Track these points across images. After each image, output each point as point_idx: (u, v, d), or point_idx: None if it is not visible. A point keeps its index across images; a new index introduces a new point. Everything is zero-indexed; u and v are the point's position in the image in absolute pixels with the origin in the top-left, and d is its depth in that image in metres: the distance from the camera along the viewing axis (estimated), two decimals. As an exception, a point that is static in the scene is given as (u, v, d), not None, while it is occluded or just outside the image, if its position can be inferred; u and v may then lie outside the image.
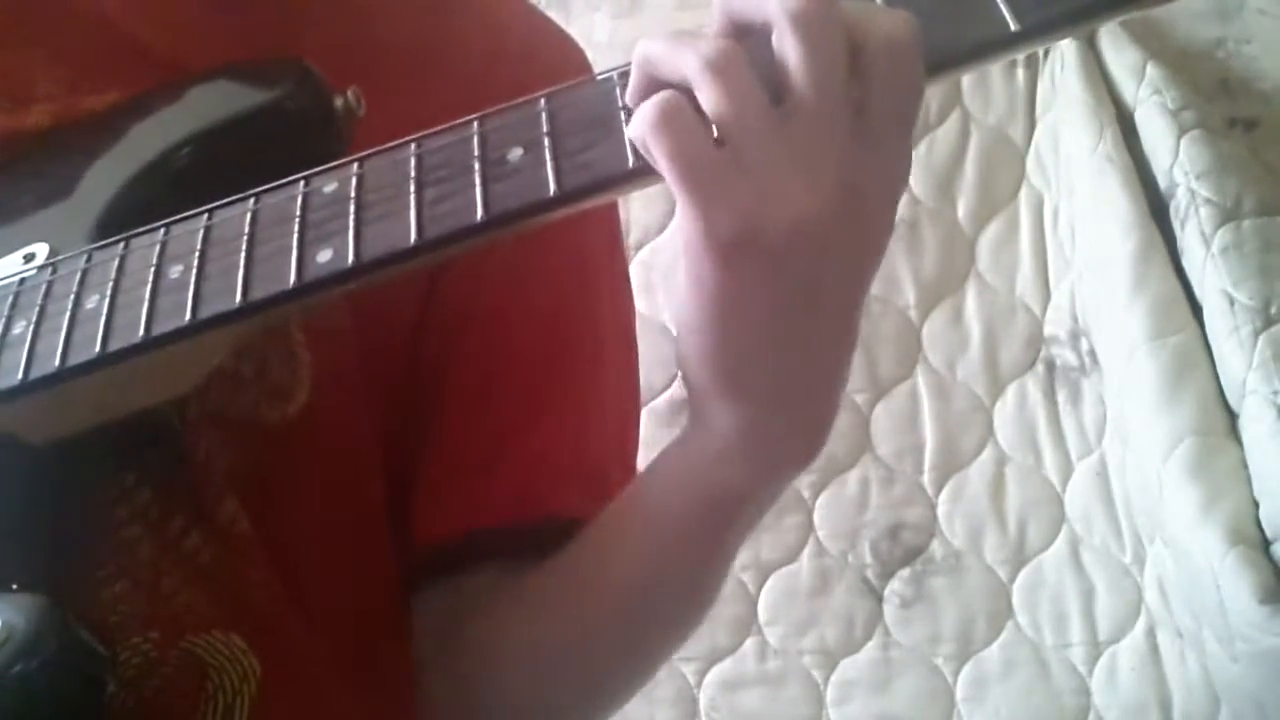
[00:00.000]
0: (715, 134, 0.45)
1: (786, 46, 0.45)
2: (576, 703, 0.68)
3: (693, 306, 0.48)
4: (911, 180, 1.63)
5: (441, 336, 0.69)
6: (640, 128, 0.45)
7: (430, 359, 0.69)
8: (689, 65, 0.45)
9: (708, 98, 0.45)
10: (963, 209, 1.64)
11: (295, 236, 0.50)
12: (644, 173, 0.47)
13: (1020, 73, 1.64)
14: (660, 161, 0.45)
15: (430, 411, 0.69)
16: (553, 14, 1.73)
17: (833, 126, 0.45)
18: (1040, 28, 0.45)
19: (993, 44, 0.45)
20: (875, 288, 1.76)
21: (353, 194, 0.50)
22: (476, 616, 0.67)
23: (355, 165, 0.51)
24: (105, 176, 0.59)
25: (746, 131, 0.45)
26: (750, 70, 0.45)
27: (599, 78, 0.49)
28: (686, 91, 0.46)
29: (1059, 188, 1.61)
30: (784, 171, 0.45)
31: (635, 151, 0.47)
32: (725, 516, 0.57)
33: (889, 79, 0.45)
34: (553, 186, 0.48)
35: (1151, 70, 1.52)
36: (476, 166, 0.49)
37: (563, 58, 0.75)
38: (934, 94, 1.65)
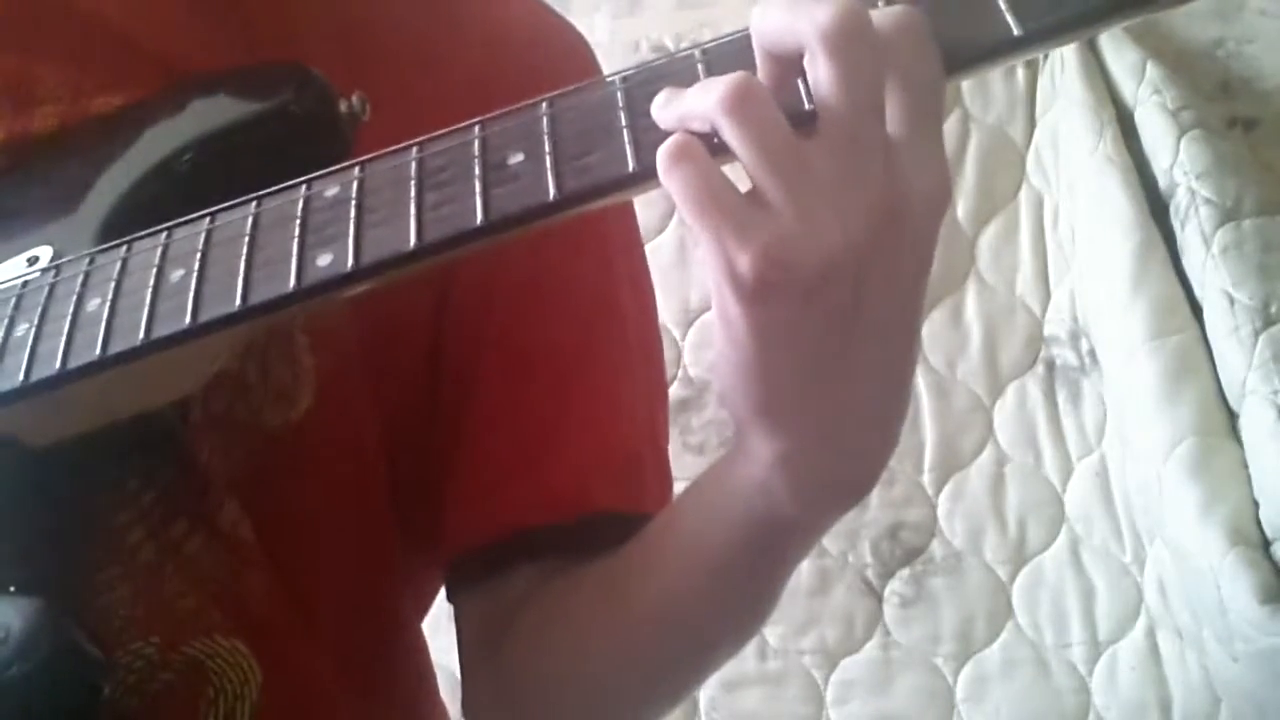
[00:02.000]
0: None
1: (820, 70, 0.43)
2: (619, 712, 0.67)
3: (724, 341, 0.47)
4: (911, 180, 1.63)
5: (462, 340, 0.68)
6: (659, 169, 0.44)
7: (453, 364, 0.68)
8: (707, 106, 0.44)
9: (727, 136, 0.44)
10: (963, 209, 1.64)
11: (296, 240, 0.50)
12: (646, 177, 0.47)
13: (1020, 73, 1.64)
14: (676, 200, 0.44)
15: (456, 417, 0.68)
16: None
17: (869, 152, 0.43)
18: (1043, 33, 0.44)
19: (995, 49, 0.45)
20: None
21: (353, 198, 0.50)
22: (522, 619, 0.66)
23: (356, 169, 0.51)
24: (110, 180, 0.59)
25: (767, 169, 0.43)
26: (769, 103, 0.44)
27: (602, 81, 0.49)
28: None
29: (1059, 188, 1.61)
30: (812, 207, 0.43)
31: (637, 156, 0.47)
32: (768, 546, 0.55)
33: (912, 78, 0.44)
34: (553, 191, 0.48)
35: (1151, 70, 1.51)
36: (477, 170, 0.49)
37: (567, 54, 0.74)
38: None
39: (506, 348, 0.68)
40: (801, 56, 0.44)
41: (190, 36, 0.65)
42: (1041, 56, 1.63)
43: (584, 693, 0.65)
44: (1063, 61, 1.59)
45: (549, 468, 0.67)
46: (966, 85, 1.65)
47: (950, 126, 1.65)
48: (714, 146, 0.45)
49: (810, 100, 0.45)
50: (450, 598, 0.69)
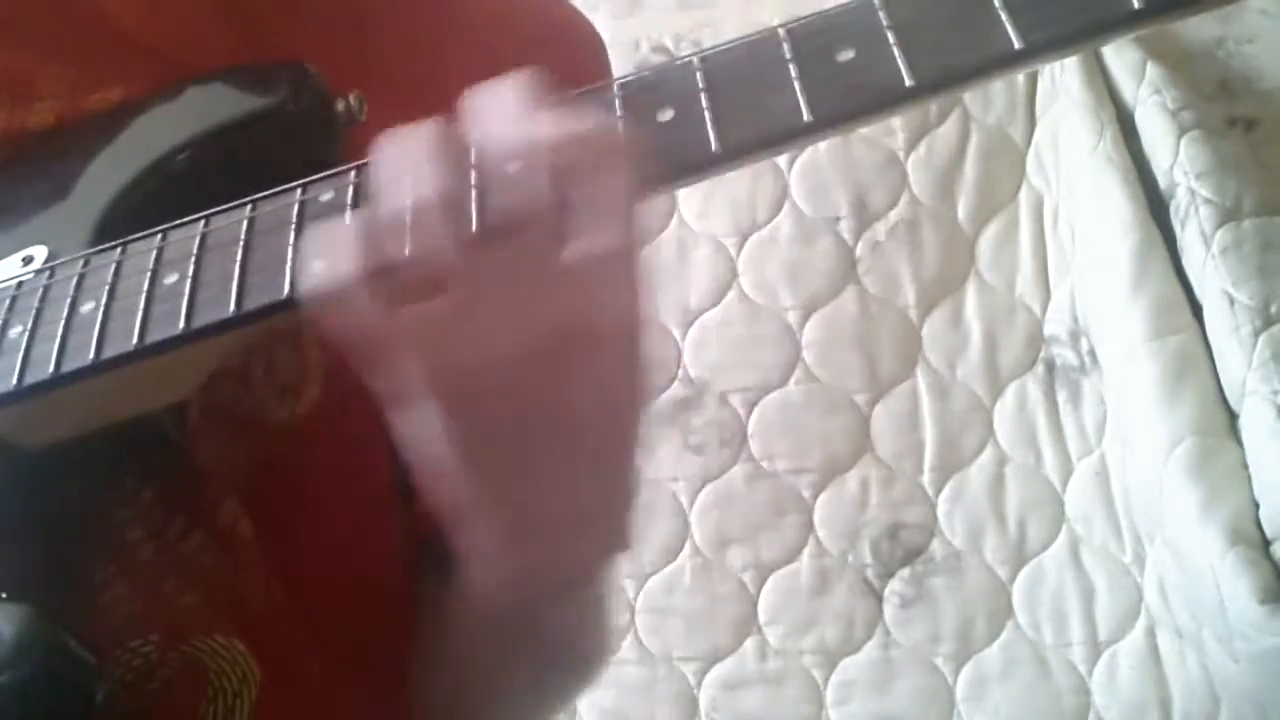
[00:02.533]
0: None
1: (503, 184, 0.44)
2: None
3: (403, 438, 0.48)
4: (911, 180, 1.64)
5: None
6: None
7: None
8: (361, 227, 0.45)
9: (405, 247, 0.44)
10: (963, 209, 1.64)
11: (290, 245, 0.50)
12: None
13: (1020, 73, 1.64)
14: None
15: None
16: None
17: (544, 270, 0.44)
18: (1045, 46, 0.44)
19: (996, 61, 0.44)
20: (875, 288, 1.77)
21: (349, 203, 0.50)
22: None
23: (352, 174, 0.51)
24: (105, 179, 0.59)
25: (445, 278, 0.44)
26: (447, 218, 0.44)
27: (599, 88, 0.49)
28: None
29: (1059, 188, 1.61)
30: (479, 320, 0.44)
31: None
32: (500, 614, 0.56)
33: (597, 200, 0.44)
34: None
35: (1151, 70, 1.51)
36: (473, 176, 0.49)
37: (576, 51, 0.73)
38: (934, 94, 1.65)
39: None
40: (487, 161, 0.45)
41: (190, 33, 0.65)
42: (1041, 57, 1.63)
43: (452, 695, 0.66)
44: (1063, 62, 1.59)
45: None
46: (966, 85, 1.65)
47: (950, 126, 1.65)
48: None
49: (490, 213, 0.45)
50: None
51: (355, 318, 0.44)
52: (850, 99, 0.45)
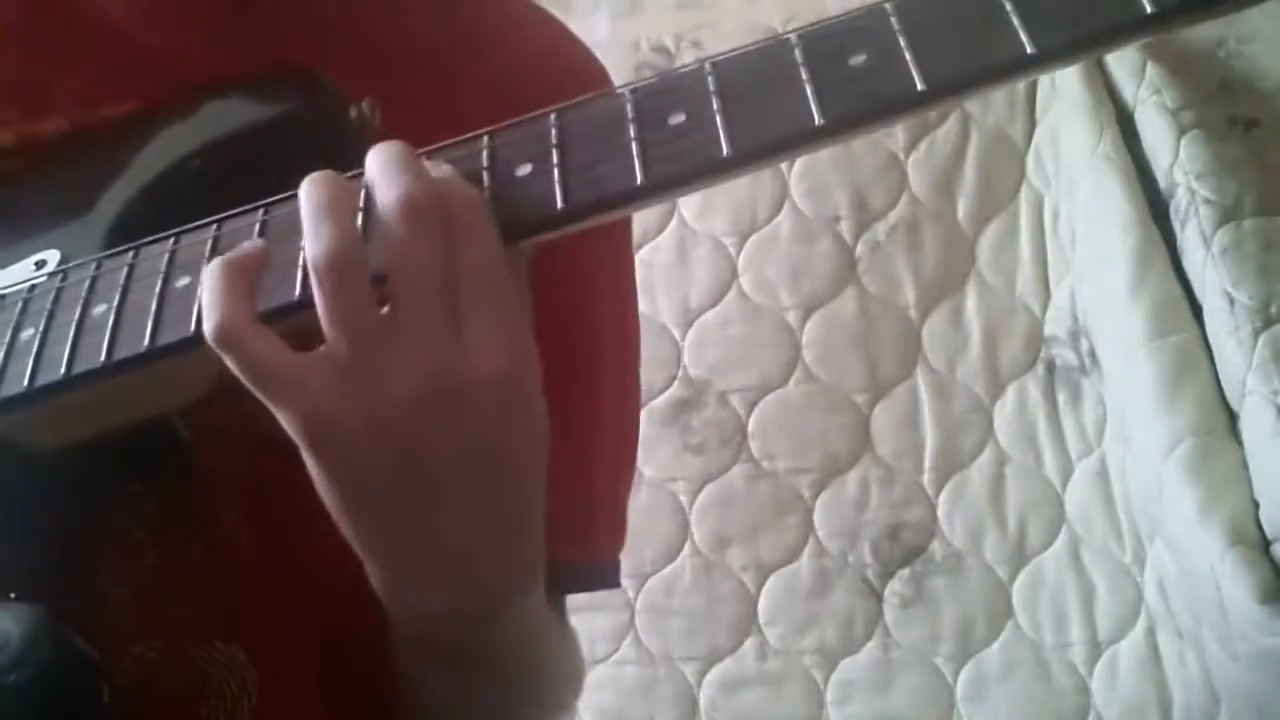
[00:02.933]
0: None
1: (385, 244, 0.47)
2: None
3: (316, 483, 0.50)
4: (911, 180, 1.64)
5: None
6: (209, 341, 0.47)
7: None
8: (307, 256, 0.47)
9: (314, 292, 0.47)
10: (963, 209, 1.64)
11: (302, 249, 0.50)
12: (654, 190, 0.47)
13: (1020, 73, 1.64)
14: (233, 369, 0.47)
15: None
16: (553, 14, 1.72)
17: (424, 330, 0.46)
18: (1057, 51, 0.44)
19: (1008, 66, 0.44)
20: (875, 288, 1.77)
21: (360, 206, 0.50)
22: None
23: (363, 178, 0.51)
24: (118, 185, 0.59)
25: (336, 333, 0.47)
26: (357, 272, 0.46)
27: (612, 94, 0.49)
28: None
29: (1059, 188, 1.61)
30: (362, 373, 0.46)
31: (645, 169, 0.46)
32: (415, 648, 0.58)
33: (467, 264, 0.46)
34: (559, 202, 0.47)
35: (1151, 70, 1.51)
36: (485, 180, 0.49)
37: (585, 78, 0.74)
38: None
39: None
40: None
41: (201, 44, 0.65)
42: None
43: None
44: (1063, 62, 1.59)
45: None
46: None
47: (950, 127, 1.65)
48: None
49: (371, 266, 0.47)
50: None
51: (243, 359, 0.47)
52: (862, 103, 0.45)
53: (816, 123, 0.45)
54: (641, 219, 1.68)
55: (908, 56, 0.44)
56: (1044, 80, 1.62)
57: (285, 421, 0.48)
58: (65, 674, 0.52)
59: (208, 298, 0.47)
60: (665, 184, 0.47)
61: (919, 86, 0.44)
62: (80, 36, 0.65)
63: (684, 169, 0.47)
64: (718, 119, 0.46)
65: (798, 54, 0.46)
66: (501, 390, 0.47)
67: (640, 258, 1.67)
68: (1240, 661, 1.29)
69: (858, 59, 0.45)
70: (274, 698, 0.59)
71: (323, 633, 0.63)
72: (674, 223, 1.68)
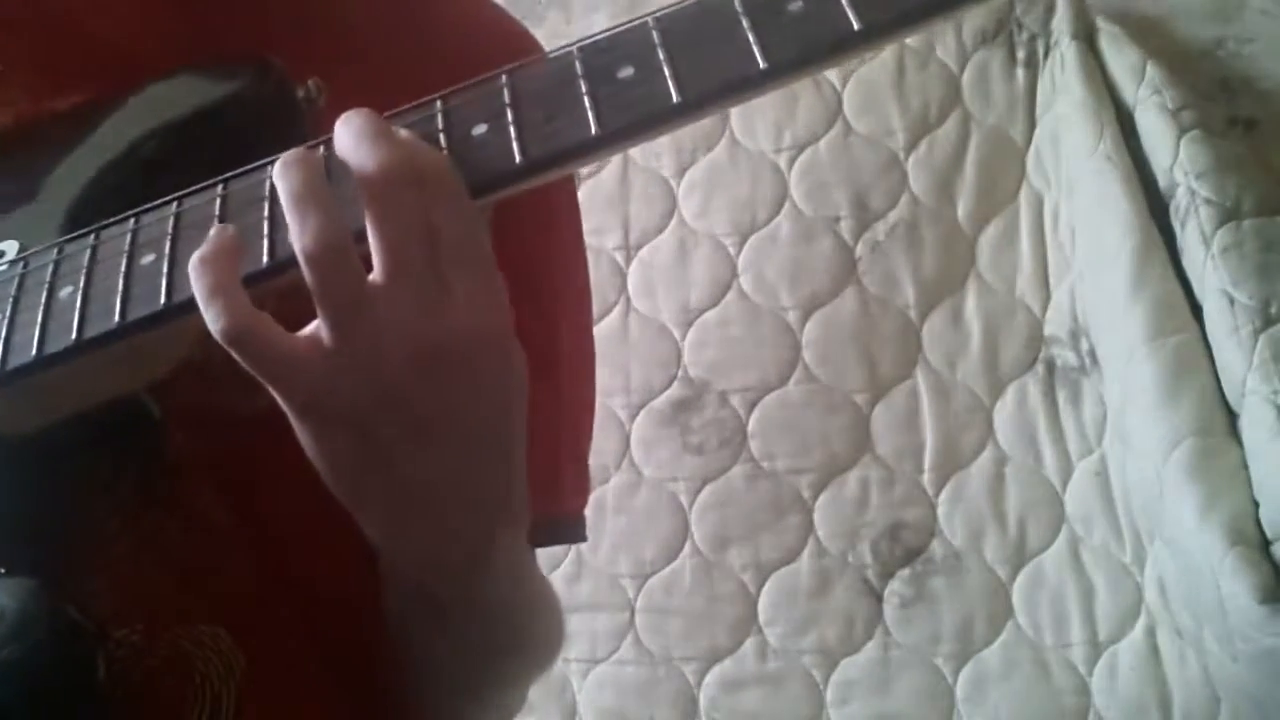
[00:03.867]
0: None
1: (368, 216, 0.48)
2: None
3: (306, 450, 0.52)
4: (911, 180, 1.64)
5: None
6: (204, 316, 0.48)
7: None
8: (295, 241, 0.49)
9: (303, 268, 0.48)
10: (963, 209, 1.64)
11: (266, 219, 0.51)
12: (609, 140, 0.48)
13: (1020, 73, 1.64)
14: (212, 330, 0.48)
15: None
16: (553, 14, 1.74)
17: (409, 293, 0.48)
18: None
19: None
20: (875, 288, 1.77)
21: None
22: None
23: (321, 149, 0.52)
24: (71, 173, 0.60)
25: (325, 308, 0.48)
26: (346, 252, 0.48)
27: (559, 54, 0.50)
28: None
29: (1059, 188, 1.61)
30: (353, 342, 0.48)
31: (599, 119, 0.48)
32: (409, 598, 0.60)
33: (447, 228, 0.48)
34: (518, 157, 0.49)
35: (1151, 70, 1.51)
36: (442, 142, 0.50)
37: (524, 40, 0.76)
38: (934, 94, 1.65)
39: None
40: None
41: (148, 31, 0.65)
42: (1041, 57, 1.63)
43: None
44: (1063, 61, 1.59)
45: None
46: (966, 86, 1.65)
47: (950, 126, 1.65)
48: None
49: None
50: None
51: (252, 352, 0.49)
52: (801, 45, 0.47)
53: (760, 66, 0.47)
54: (641, 219, 1.68)
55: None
56: (1044, 80, 1.62)
57: (286, 400, 0.49)
58: (61, 646, 0.52)
59: (206, 298, 0.48)
60: (620, 133, 0.48)
61: (855, 26, 0.46)
62: (38, 29, 0.66)
63: (637, 117, 0.48)
64: (665, 69, 0.48)
65: (737, 3, 0.48)
66: (490, 343, 0.50)
67: (640, 258, 1.68)
68: (1240, 661, 1.29)
69: (795, 4, 0.47)
70: (260, 676, 0.60)
71: (306, 607, 0.64)
72: (674, 223, 1.68)
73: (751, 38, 0.47)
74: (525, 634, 0.71)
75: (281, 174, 0.49)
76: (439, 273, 0.48)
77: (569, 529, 0.78)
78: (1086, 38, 1.58)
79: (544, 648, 0.75)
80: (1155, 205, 1.50)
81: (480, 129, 0.50)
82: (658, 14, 0.49)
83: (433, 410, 0.49)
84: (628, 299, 1.68)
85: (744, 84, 0.47)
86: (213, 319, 0.48)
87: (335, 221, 0.48)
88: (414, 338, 0.48)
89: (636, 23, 0.49)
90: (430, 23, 0.72)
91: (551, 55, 0.50)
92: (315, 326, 0.49)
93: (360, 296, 0.48)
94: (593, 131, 0.48)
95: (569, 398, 0.77)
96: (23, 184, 0.61)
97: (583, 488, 0.79)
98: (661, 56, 0.48)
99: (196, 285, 0.49)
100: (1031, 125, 1.64)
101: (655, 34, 0.48)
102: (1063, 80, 1.59)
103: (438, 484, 0.52)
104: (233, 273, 0.49)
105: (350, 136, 0.49)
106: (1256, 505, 1.31)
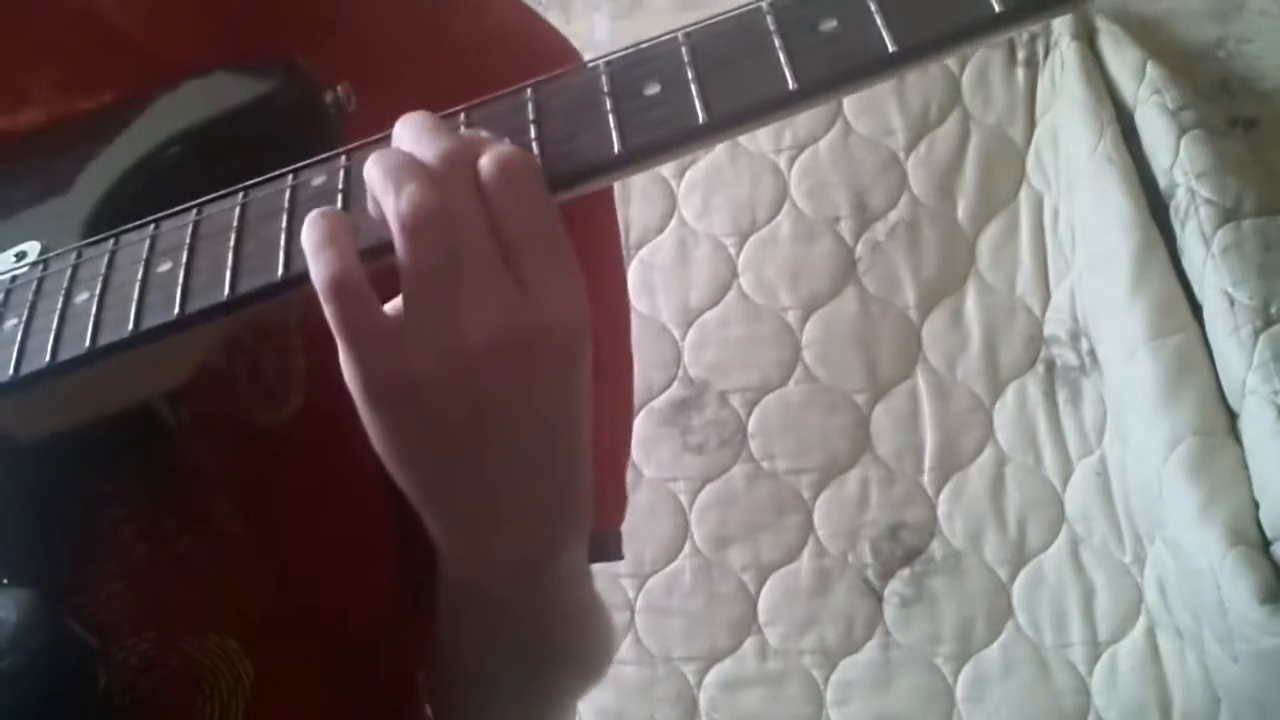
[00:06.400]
0: None
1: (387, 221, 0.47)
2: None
3: (376, 439, 0.51)
4: (911, 180, 1.64)
5: None
6: (317, 289, 0.47)
7: None
8: (390, 216, 0.48)
9: (399, 249, 0.47)
10: (963, 209, 1.64)
11: (284, 230, 0.50)
12: (633, 159, 0.47)
13: (1020, 73, 1.64)
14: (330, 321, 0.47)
15: None
16: (553, 14, 1.73)
17: (483, 287, 0.47)
18: (1026, 7, 0.44)
19: (979, 25, 0.44)
20: (875, 288, 1.77)
21: (340, 187, 0.51)
22: None
23: (343, 158, 0.51)
24: (96, 175, 0.59)
25: (414, 290, 0.47)
26: (454, 229, 0.47)
27: (586, 67, 0.50)
28: None
29: (1059, 188, 1.61)
30: (436, 330, 0.47)
31: (622, 138, 0.47)
32: (469, 602, 0.59)
33: (522, 225, 0.47)
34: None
35: (1151, 70, 1.52)
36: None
37: (557, 49, 0.74)
38: (934, 94, 1.65)
39: None
40: None
41: (181, 33, 0.65)
42: (1041, 57, 1.63)
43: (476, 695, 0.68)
44: (1063, 61, 1.59)
45: None
46: (966, 85, 1.65)
47: (950, 127, 1.65)
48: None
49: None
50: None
51: (349, 312, 0.47)
52: (835, 67, 0.46)
53: (790, 88, 0.46)
54: (641, 219, 1.68)
55: (878, 19, 0.45)
56: (1044, 80, 1.63)
57: (358, 370, 0.48)
58: (61, 658, 0.52)
59: (317, 246, 0.47)
60: (643, 152, 0.47)
61: (890, 49, 0.45)
62: (62, 27, 0.65)
63: (661, 137, 0.47)
64: (692, 88, 0.47)
65: (769, 21, 0.47)
66: (566, 337, 0.48)
67: (640, 258, 1.67)
68: (1240, 661, 1.29)
69: (828, 24, 0.46)
70: (269, 687, 0.59)
71: (315, 619, 0.64)
72: (674, 223, 1.68)
73: (783, 57, 0.46)
74: (579, 643, 0.69)
75: (401, 133, 0.48)
76: (516, 264, 0.47)
77: (606, 545, 0.76)
78: (1086, 38, 1.58)
79: (595, 660, 0.73)
80: (1155, 205, 1.50)
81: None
82: (688, 29, 0.48)
83: (502, 403, 0.48)
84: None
85: (773, 105, 0.46)
86: (320, 267, 0.47)
87: (444, 196, 0.47)
88: (488, 328, 0.47)
89: (666, 37, 0.48)
90: (461, 30, 0.71)
91: (579, 69, 0.50)
92: (398, 303, 0.48)
93: (441, 282, 0.47)
94: (615, 150, 0.47)
95: (606, 415, 0.76)
96: (48, 184, 0.61)
97: (621, 504, 0.77)
98: (690, 75, 0.47)
99: (310, 233, 0.47)
100: (1031, 125, 1.64)
101: (685, 50, 0.47)
102: (1063, 80, 1.59)
103: (503, 481, 0.52)
104: (349, 230, 0.48)
105: (411, 133, 0.48)
106: (1256, 505, 1.31)
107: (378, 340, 0.47)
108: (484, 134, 0.49)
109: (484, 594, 0.58)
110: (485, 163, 0.47)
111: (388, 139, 0.51)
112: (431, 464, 0.51)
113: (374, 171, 0.47)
